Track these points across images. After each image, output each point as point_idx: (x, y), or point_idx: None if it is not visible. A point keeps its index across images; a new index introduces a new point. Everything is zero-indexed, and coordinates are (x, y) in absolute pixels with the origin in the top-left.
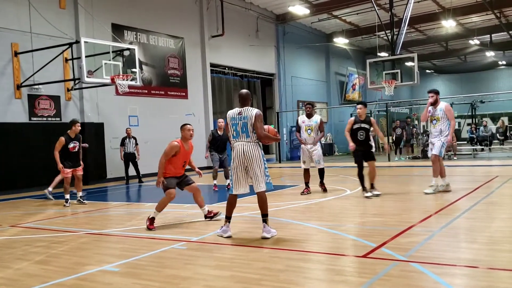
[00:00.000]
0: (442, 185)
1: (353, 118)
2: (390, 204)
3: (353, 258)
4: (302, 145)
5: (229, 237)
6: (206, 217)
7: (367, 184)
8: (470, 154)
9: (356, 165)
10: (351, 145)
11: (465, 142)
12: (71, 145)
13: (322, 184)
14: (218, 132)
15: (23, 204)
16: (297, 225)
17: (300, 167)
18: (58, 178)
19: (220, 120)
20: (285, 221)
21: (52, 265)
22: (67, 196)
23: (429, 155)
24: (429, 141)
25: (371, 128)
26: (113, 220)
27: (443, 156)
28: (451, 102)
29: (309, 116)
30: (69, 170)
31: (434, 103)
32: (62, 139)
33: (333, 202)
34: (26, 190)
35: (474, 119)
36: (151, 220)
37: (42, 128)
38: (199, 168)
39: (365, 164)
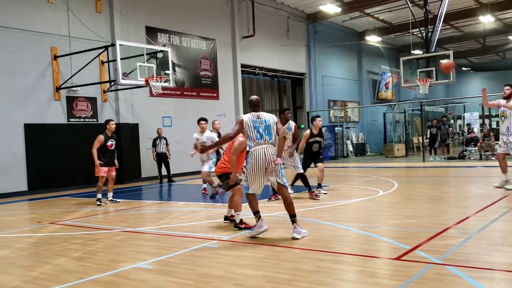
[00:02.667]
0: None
1: (308, 131)
2: (425, 205)
3: (386, 260)
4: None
5: (266, 230)
6: (227, 218)
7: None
8: (509, 154)
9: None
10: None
11: None
12: (109, 143)
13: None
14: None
15: (62, 202)
16: (327, 226)
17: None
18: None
19: (216, 122)
20: (315, 221)
21: (88, 261)
22: (99, 196)
23: (498, 151)
24: (500, 138)
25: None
26: (146, 218)
27: None
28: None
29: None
30: (105, 169)
31: (509, 97)
32: (101, 136)
33: (365, 203)
34: (65, 188)
35: None
36: (241, 221)
37: (80, 129)
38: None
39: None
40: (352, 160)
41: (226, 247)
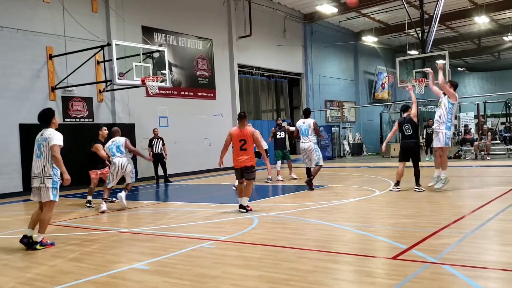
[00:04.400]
0: None
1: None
2: (421, 205)
3: (383, 259)
4: None
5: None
6: (242, 207)
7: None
8: (504, 154)
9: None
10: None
11: (499, 141)
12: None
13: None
14: None
15: (57, 203)
16: (325, 226)
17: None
18: (107, 186)
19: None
20: (313, 221)
21: (85, 262)
22: (90, 198)
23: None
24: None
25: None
26: (143, 219)
27: None
28: (484, 100)
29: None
30: (98, 172)
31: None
32: (100, 145)
33: (362, 203)
34: (60, 189)
35: (508, 118)
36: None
37: (76, 129)
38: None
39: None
40: (348, 160)
41: (223, 247)
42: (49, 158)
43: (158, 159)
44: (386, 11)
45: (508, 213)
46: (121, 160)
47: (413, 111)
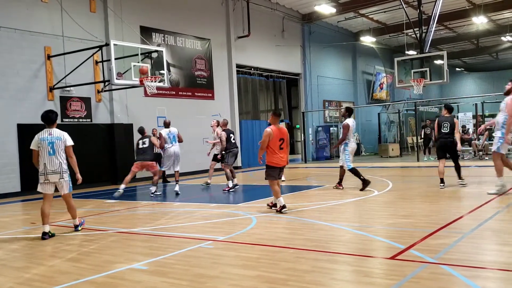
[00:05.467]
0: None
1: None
2: (419, 205)
3: (381, 259)
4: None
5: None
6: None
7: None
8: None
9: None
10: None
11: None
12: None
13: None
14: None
15: (55, 203)
16: (323, 226)
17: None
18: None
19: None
20: (311, 221)
21: (83, 262)
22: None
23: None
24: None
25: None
26: (141, 219)
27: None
28: (482, 100)
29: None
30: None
31: (508, 93)
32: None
33: (360, 203)
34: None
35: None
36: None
37: (74, 129)
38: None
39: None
40: None
41: (221, 247)
42: (63, 156)
43: (156, 159)
44: (385, 11)
45: (506, 213)
46: (174, 148)
47: (457, 134)
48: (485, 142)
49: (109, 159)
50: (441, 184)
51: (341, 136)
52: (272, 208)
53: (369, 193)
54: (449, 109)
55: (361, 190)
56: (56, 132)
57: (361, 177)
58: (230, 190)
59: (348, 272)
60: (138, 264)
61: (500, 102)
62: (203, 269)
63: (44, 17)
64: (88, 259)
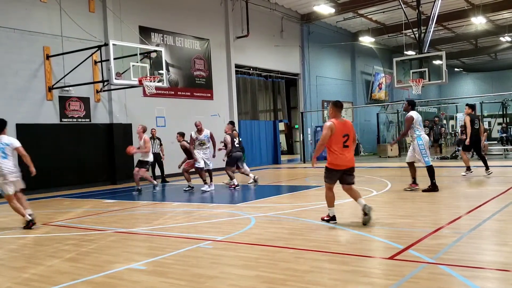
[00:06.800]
0: None
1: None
2: (418, 205)
3: (380, 260)
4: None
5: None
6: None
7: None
8: (501, 154)
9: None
10: None
11: (496, 142)
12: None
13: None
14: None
15: (54, 203)
16: (322, 226)
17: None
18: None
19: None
20: (310, 221)
21: (81, 262)
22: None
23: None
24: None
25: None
26: (140, 219)
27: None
28: (481, 101)
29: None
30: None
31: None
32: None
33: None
34: (57, 189)
35: (505, 119)
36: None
37: (73, 129)
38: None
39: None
40: None
41: (220, 247)
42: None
43: (155, 159)
44: (383, 12)
45: (505, 213)
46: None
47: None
48: (485, 142)
49: (107, 159)
50: (470, 171)
51: (403, 130)
52: (324, 219)
53: (368, 193)
54: (474, 107)
55: (424, 191)
56: (4, 138)
57: (434, 180)
58: (236, 187)
59: (347, 272)
60: (137, 264)
61: (499, 102)
62: (202, 269)
63: (43, 17)
64: (86, 259)
